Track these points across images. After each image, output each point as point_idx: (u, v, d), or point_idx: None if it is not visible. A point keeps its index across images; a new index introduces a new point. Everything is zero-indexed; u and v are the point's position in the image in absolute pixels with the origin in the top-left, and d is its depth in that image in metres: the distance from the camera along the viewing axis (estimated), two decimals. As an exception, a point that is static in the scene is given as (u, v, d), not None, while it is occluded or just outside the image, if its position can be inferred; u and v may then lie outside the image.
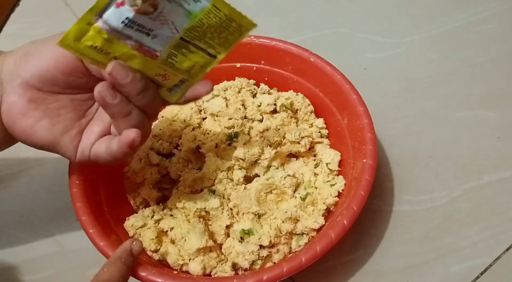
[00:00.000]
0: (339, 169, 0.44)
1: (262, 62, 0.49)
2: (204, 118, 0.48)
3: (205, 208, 0.41)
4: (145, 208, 0.44)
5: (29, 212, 0.48)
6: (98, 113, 0.35)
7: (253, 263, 0.39)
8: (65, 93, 0.33)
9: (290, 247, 0.41)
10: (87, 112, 0.35)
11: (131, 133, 0.30)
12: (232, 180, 0.44)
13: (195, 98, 0.34)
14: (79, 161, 0.34)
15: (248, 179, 0.45)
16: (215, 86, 0.49)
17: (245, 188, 0.43)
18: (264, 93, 0.49)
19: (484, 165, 0.49)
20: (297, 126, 0.47)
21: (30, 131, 0.32)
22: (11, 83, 0.31)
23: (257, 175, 0.45)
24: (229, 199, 0.42)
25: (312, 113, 0.48)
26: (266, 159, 0.44)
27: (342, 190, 0.42)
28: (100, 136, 0.34)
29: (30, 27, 0.64)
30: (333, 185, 0.43)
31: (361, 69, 0.58)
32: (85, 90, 0.33)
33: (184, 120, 0.47)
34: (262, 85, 0.50)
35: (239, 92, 0.49)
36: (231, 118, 0.47)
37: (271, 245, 0.40)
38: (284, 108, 0.47)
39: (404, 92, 0.55)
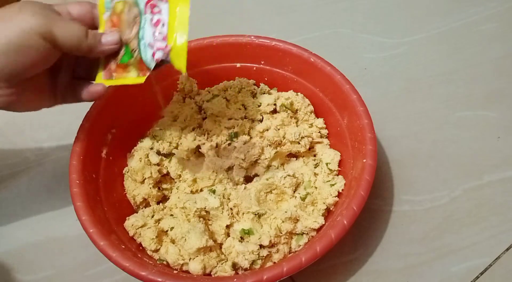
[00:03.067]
0: (339, 169, 0.44)
1: (262, 62, 0.49)
2: (204, 118, 0.48)
3: (205, 208, 0.41)
4: (145, 208, 0.44)
5: (29, 212, 0.48)
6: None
7: (253, 262, 0.39)
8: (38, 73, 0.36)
9: (290, 247, 0.41)
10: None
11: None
12: (232, 179, 0.44)
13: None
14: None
15: (248, 179, 0.45)
16: (215, 86, 0.50)
17: (245, 188, 0.43)
18: (264, 93, 0.49)
19: (484, 165, 0.49)
20: (297, 126, 0.47)
21: (23, 109, 0.38)
22: None
23: (257, 175, 0.45)
24: (229, 198, 0.42)
25: (312, 113, 0.48)
26: (266, 159, 0.44)
27: (342, 190, 0.42)
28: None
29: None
30: (333, 185, 0.43)
31: (361, 69, 0.58)
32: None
33: (184, 120, 0.47)
34: (262, 85, 0.50)
35: (239, 92, 0.49)
36: (231, 118, 0.47)
37: (271, 245, 0.40)
38: (284, 108, 0.47)
39: (404, 92, 0.55)
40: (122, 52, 0.38)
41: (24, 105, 0.37)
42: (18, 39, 0.32)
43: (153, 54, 0.36)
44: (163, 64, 0.36)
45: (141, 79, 0.37)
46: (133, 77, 0.37)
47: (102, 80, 0.38)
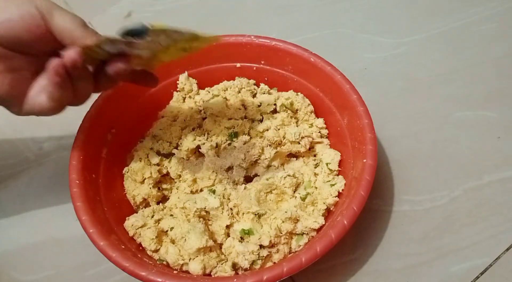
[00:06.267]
0: (339, 169, 0.44)
1: (262, 62, 0.49)
2: (204, 118, 0.48)
3: (205, 208, 0.41)
4: (145, 208, 0.44)
5: (29, 212, 0.48)
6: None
7: (253, 263, 0.39)
8: (23, 53, 0.34)
9: (290, 247, 0.41)
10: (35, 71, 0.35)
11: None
12: (232, 179, 0.44)
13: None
14: (26, 114, 0.36)
15: (248, 179, 0.45)
16: (215, 86, 0.50)
17: (245, 188, 0.43)
18: (264, 93, 0.49)
19: (484, 165, 0.49)
20: (297, 126, 0.47)
21: None
22: None
23: (257, 175, 0.45)
24: (229, 199, 0.42)
25: (312, 113, 0.48)
26: (266, 159, 0.44)
27: (342, 190, 0.42)
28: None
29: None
30: (333, 185, 0.43)
31: (361, 69, 0.58)
32: (42, 53, 0.35)
33: (184, 120, 0.47)
34: (262, 85, 0.50)
35: (239, 92, 0.49)
36: (231, 118, 0.47)
37: (271, 245, 0.40)
38: (284, 108, 0.47)
39: (404, 92, 0.55)
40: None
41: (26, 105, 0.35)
42: (17, 11, 0.32)
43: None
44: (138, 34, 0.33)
45: None
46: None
47: None
